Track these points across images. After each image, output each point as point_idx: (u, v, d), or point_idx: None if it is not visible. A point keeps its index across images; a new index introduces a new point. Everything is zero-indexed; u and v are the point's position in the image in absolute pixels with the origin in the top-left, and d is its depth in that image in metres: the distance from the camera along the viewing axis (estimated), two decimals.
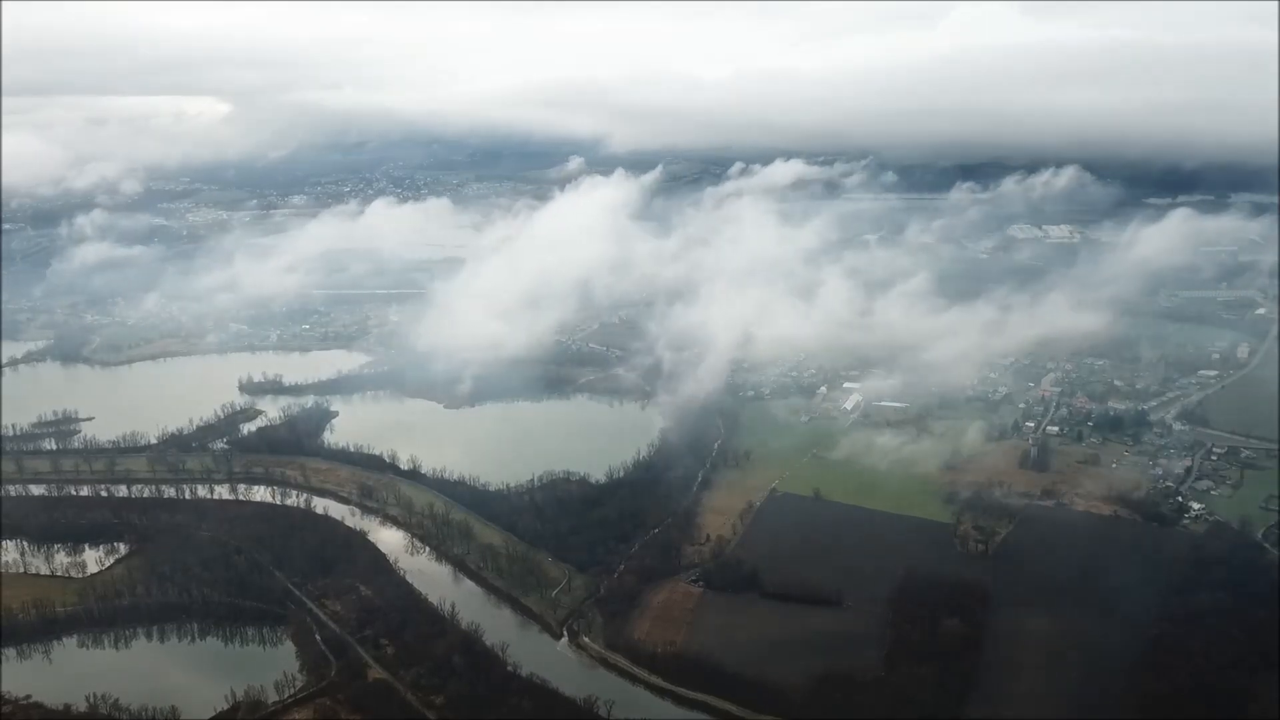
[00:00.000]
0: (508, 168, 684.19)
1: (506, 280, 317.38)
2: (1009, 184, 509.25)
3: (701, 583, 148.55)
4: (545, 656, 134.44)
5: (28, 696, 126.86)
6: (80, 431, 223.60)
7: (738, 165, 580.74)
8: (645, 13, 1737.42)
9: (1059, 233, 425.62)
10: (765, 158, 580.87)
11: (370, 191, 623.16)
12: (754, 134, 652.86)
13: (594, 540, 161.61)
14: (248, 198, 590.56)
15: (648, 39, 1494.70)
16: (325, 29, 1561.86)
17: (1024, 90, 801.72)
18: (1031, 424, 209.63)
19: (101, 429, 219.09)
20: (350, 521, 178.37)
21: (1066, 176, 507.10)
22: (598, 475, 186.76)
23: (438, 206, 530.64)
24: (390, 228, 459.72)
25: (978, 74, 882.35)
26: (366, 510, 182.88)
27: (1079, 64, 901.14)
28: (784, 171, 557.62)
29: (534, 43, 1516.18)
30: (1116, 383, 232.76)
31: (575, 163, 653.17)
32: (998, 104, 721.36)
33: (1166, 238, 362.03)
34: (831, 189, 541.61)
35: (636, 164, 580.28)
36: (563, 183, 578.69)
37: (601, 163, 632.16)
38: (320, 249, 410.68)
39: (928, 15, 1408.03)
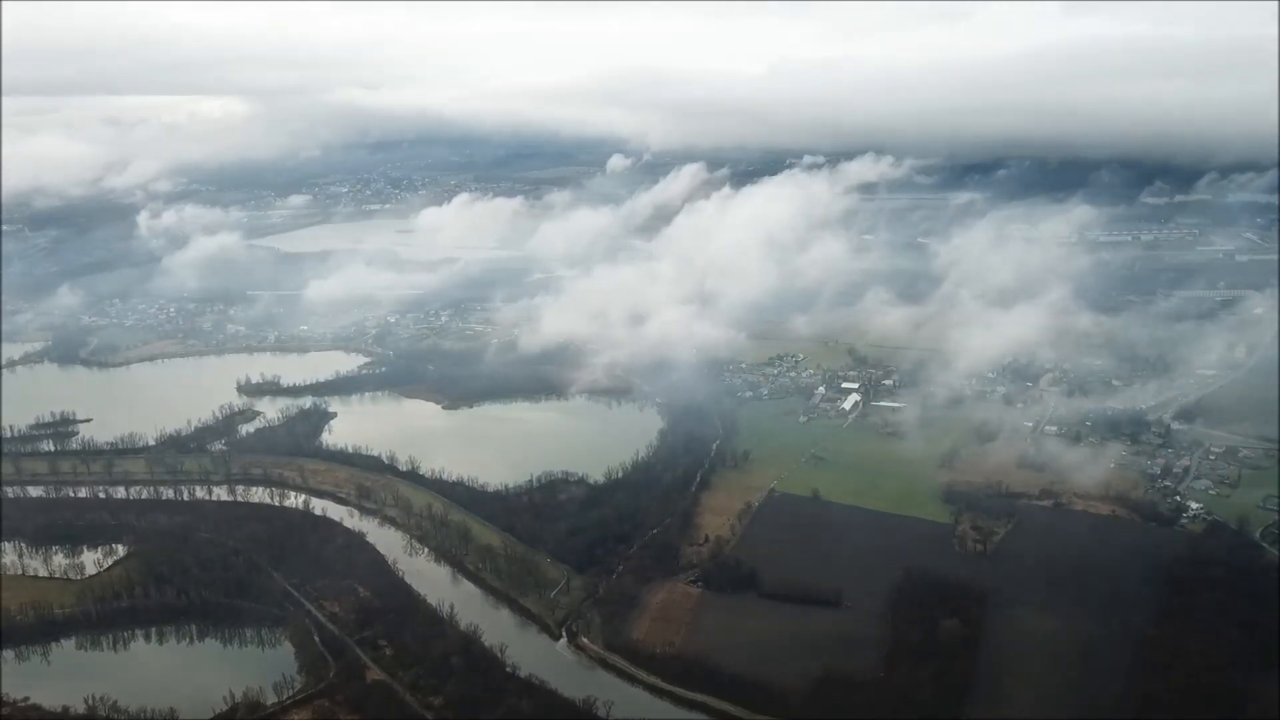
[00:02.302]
0: (531, 166, 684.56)
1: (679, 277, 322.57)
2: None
3: (700, 583, 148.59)
4: (544, 657, 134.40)
5: (26, 698, 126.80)
6: (78, 433, 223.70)
7: (807, 160, 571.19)
8: (665, 12, 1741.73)
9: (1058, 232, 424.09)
10: (806, 153, 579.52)
11: (368, 192, 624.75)
12: (799, 131, 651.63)
13: (592, 541, 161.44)
14: (277, 196, 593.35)
15: (672, 38, 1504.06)
16: (343, 29, 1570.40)
17: (1086, 86, 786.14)
18: (1030, 424, 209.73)
19: (99, 430, 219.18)
20: (349, 522, 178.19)
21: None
22: (596, 476, 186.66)
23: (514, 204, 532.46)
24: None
25: (1028, 71, 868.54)
26: (365, 511, 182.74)
27: (1131, 60, 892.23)
28: (872, 169, 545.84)
29: (557, 43, 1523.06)
30: (1114, 382, 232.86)
31: (617, 160, 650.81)
32: (1055, 100, 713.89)
33: None
34: (902, 187, 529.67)
35: (671, 162, 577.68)
36: (568, 182, 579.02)
37: (636, 159, 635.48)
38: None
39: (954, 13, 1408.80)
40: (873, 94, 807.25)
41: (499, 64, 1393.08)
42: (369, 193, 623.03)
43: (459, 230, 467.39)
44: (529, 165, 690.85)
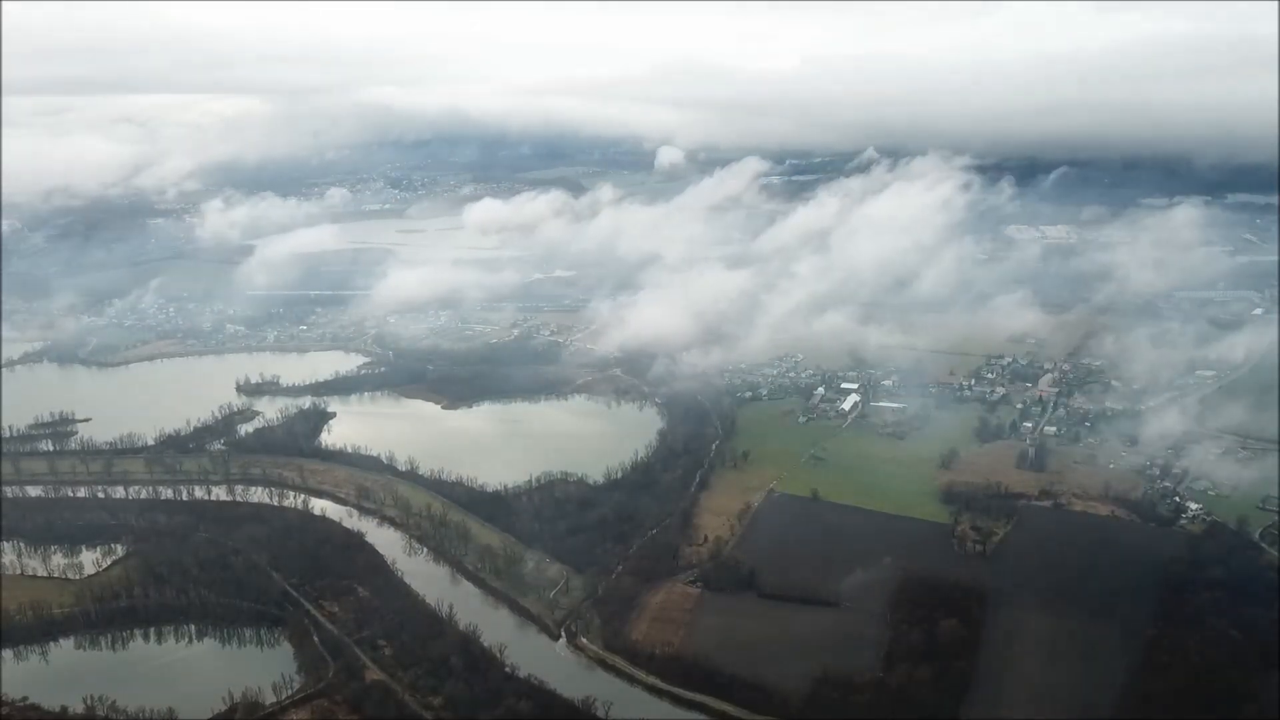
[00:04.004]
0: (538, 165, 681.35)
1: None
2: None
3: (699, 583, 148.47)
4: (543, 657, 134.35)
5: (24, 698, 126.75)
6: (77, 433, 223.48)
7: (868, 154, 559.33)
8: (688, 11, 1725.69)
9: (1056, 233, 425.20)
10: (837, 151, 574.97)
11: (367, 192, 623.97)
12: (837, 128, 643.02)
13: (592, 541, 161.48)
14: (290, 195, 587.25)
15: (696, 35, 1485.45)
16: (367, 27, 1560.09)
17: (1126, 85, 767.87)
18: (1029, 424, 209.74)
19: (98, 430, 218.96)
20: (348, 523, 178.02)
21: None
22: (595, 476, 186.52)
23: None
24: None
25: (1061, 70, 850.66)
26: (364, 511, 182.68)
27: (1173, 58, 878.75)
28: (939, 168, 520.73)
29: (580, 43, 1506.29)
30: (1114, 383, 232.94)
31: (667, 153, 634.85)
32: (1091, 99, 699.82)
33: None
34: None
35: (713, 161, 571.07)
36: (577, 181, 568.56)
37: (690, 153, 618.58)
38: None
39: (977, 11, 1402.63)
40: (910, 91, 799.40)
41: (522, 64, 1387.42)
42: (368, 193, 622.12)
43: (514, 226, 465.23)
44: (535, 164, 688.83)
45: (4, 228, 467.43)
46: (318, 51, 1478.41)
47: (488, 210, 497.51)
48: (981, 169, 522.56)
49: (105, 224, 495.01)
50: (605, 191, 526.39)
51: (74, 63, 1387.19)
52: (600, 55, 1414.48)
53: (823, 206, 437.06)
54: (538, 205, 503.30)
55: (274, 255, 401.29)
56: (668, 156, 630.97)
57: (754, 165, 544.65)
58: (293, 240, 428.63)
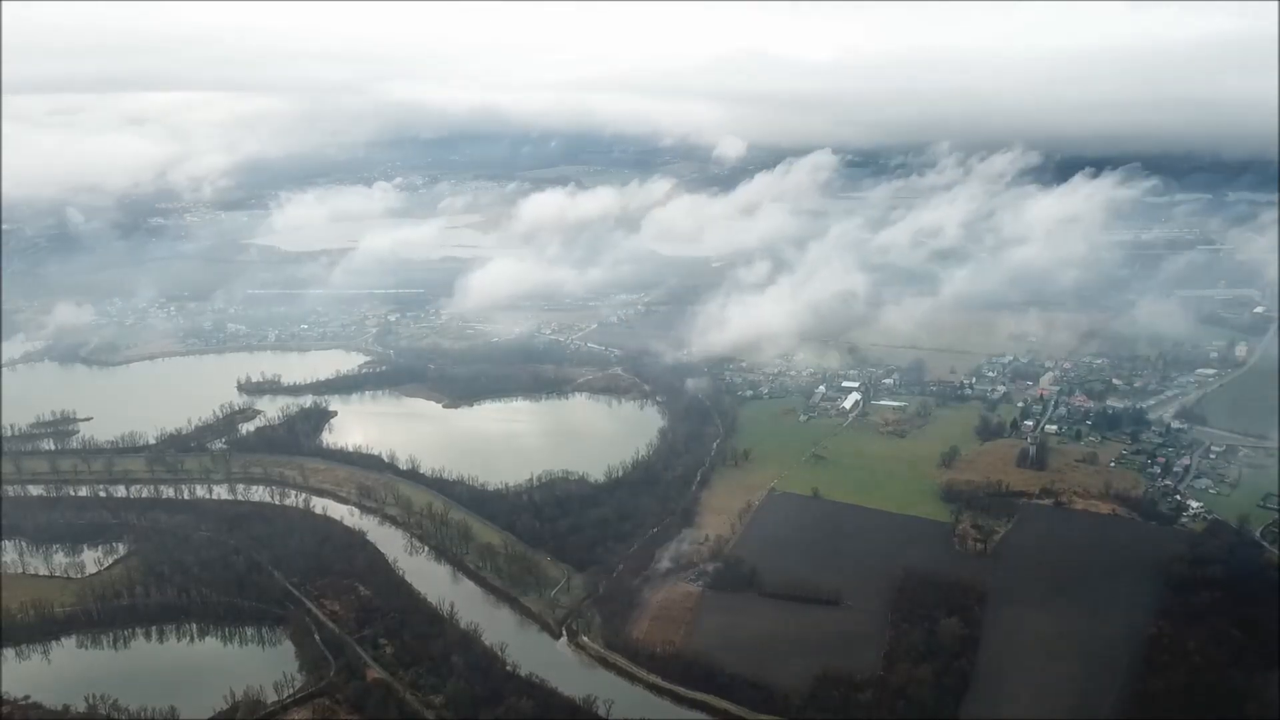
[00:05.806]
0: (541, 162, 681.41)
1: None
2: None
3: (701, 582, 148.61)
4: (544, 656, 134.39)
5: (26, 697, 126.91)
6: (78, 432, 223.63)
7: (942, 147, 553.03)
8: (713, 9, 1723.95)
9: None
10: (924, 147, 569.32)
11: (374, 191, 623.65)
12: (881, 126, 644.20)
13: (593, 540, 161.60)
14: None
15: (722, 32, 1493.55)
16: (381, 27, 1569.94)
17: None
18: (1030, 423, 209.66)
19: (100, 429, 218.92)
20: (349, 521, 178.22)
21: None
22: (596, 475, 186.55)
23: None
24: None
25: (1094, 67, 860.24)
26: (365, 510, 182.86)
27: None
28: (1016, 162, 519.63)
29: (607, 36, 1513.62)
30: (1115, 381, 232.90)
31: (729, 143, 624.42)
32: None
33: None
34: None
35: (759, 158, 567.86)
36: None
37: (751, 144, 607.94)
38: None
39: (993, 10, 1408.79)
40: (941, 88, 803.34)
41: (548, 63, 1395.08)
42: (374, 192, 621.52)
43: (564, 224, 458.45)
44: (556, 159, 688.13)
45: (69, 219, 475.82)
46: (336, 50, 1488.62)
47: (540, 205, 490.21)
48: (1046, 166, 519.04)
49: (156, 219, 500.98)
50: (659, 186, 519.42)
51: (87, 61, 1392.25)
52: (628, 54, 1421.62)
53: (945, 209, 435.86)
54: (596, 199, 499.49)
55: (372, 253, 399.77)
56: (730, 148, 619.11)
57: (824, 158, 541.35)
58: (394, 238, 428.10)
